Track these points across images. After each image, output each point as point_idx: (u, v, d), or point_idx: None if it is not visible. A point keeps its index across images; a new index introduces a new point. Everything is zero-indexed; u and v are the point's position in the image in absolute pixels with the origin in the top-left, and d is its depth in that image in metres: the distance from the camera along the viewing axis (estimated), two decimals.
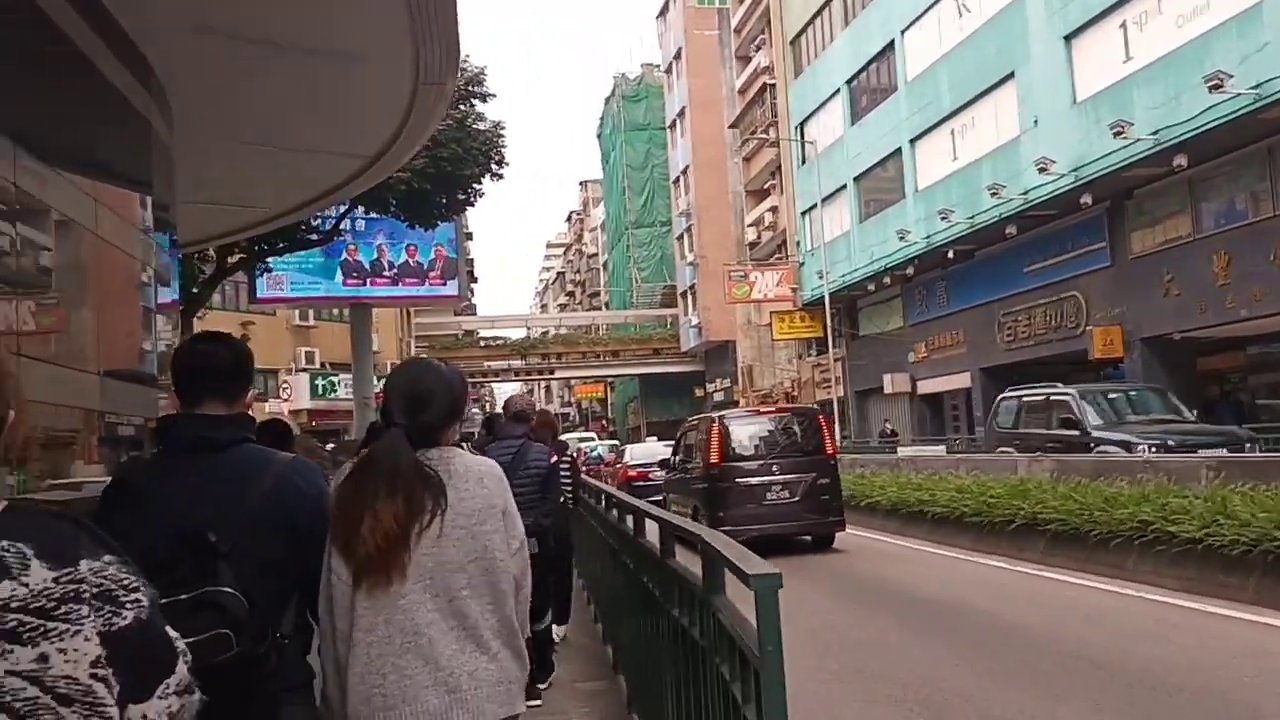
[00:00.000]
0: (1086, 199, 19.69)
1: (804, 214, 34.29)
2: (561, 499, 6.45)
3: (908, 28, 27.09)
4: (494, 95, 14.48)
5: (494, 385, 61.32)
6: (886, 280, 28.79)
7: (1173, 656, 6.14)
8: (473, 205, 15.51)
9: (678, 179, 51.91)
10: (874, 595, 9.19)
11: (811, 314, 33.44)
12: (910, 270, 27.04)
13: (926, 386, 28.76)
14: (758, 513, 12.07)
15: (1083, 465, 11.35)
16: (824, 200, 31.51)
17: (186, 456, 2.22)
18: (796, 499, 12.24)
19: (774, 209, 40.50)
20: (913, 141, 26.99)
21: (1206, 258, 17.73)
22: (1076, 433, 13.84)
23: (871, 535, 13.71)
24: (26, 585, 1.07)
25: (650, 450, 22.96)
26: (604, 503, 6.86)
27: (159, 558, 1.99)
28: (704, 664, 2.91)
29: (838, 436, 28.66)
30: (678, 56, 50.38)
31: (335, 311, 32.35)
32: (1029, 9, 21.43)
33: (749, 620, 2.32)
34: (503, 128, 14.57)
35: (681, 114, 50.01)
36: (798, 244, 35.11)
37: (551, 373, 56.02)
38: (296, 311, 33.64)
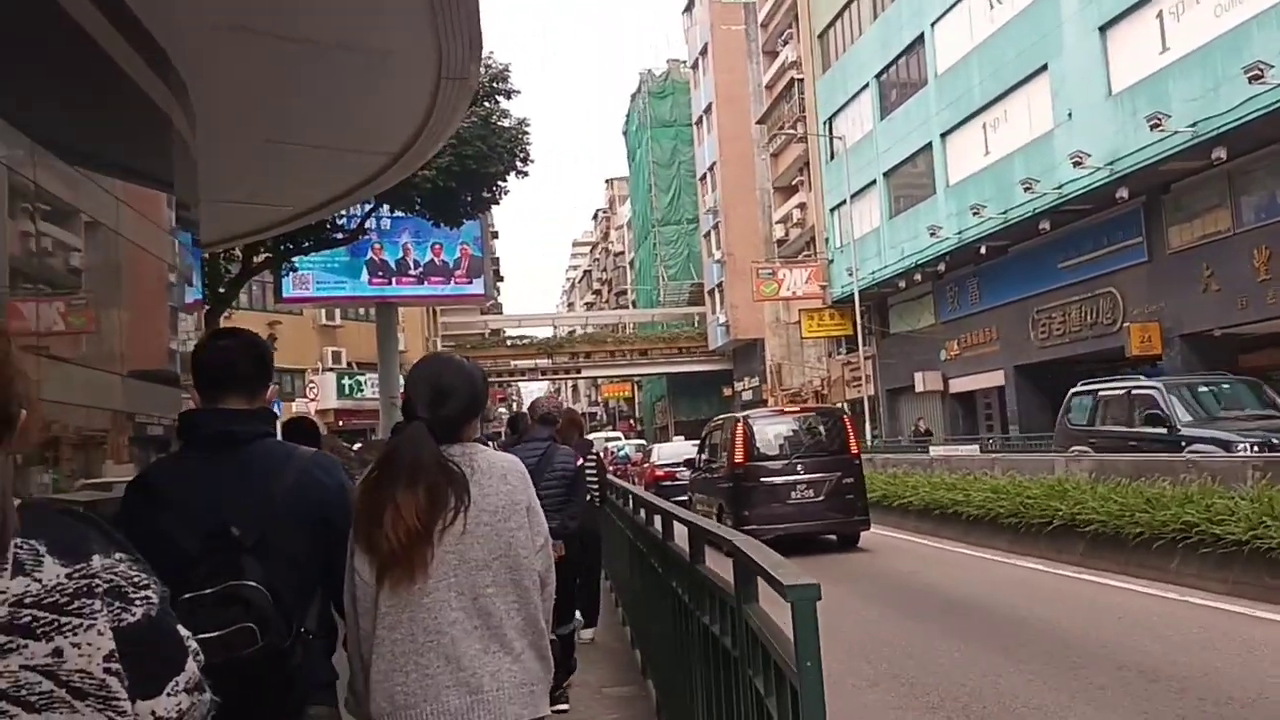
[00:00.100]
0: (1122, 193, 19.32)
1: (833, 210, 34.00)
2: (589, 496, 6.37)
3: (938, 20, 26.77)
4: (518, 92, 14.43)
5: (520, 385, 61.51)
6: (917, 277, 28.47)
7: (1220, 663, 5.94)
8: (498, 203, 15.48)
9: (704, 176, 51.69)
10: (909, 598, 9.01)
11: (841, 312, 33.16)
12: (942, 267, 26.72)
13: (958, 385, 28.41)
14: (782, 512, 12.15)
15: (1122, 465, 11.09)
16: (853, 196, 31.21)
17: (209, 451, 2.23)
18: (821, 498, 12.30)
19: (802, 205, 40.20)
20: (943, 136, 26.67)
21: (1247, 252, 17.37)
22: (1164, 430, 12.47)
23: (905, 536, 13.53)
24: (40, 581, 1.08)
25: (678, 450, 22.86)
26: (630, 504, 6.74)
27: (184, 552, 2.05)
28: (736, 675, 2.81)
29: (868, 436, 28.51)
30: (704, 52, 50.18)
31: (361, 311, 32.47)
32: (1062, 0, 21.10)
33: (784, 631, 2.22)
34: (527, 125, 14.50)
35: (708, 110, 49.79)
36: (826, 241, 34.82)
37: (578, 372, 55.94)
38: (323, 311, 33.80)
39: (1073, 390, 15.29)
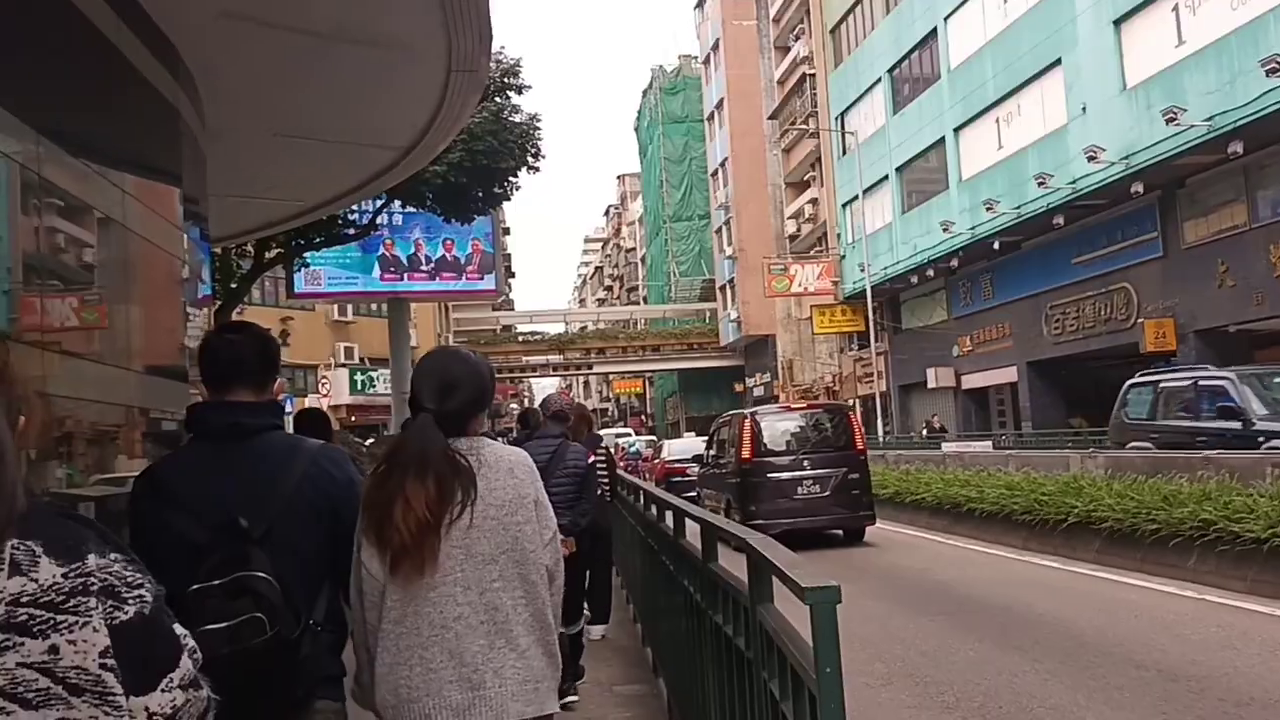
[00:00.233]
0: (1137, 188, 19.17)
1: (845, 206, 33.87)
2: (600, 492, 6.33)
3: (950, 14, 26.62)
4: (529, 87, 14.29)
5: (532, 381, 61.54)
6: (930, 273, 28.32)
7: (1240, 662, 5.85)
8: (509, 199, 15.40)
9: (716, 171, 51.59)
10: (924, 595, 8.93)
11: (853, 307, 33.04)
12: (954, 262, 26.59)
13: (971, 381, 28.26)
14: (789, 507, 12.26)
15: (1138, 462, 10.99)
16: (865, 191, 31.07)
17: (217, 444, 2.24)
18: (827, 493, 12.41)
19: (814, 201, 40.06)
20: (956, 131, 26.53)
21: (1263, 247, 17.23)
22: (1238, 425, 11.36)
23: (918, 533, 13.47)
24: (36, 581, 1.11)
25: (689, 445, 22.83)
26: (641, 500, 6.70)
27: (193, 544, 2.07)
28: (750, 677, 2.74)
29: (880, 432, 28.40)
30: (715, 47, 50.04)
31: (374, 306, 32.48)
32: None
33: (800, 633, 2.15)
34: (539, 120, 14.41)
35: (720, 106, 49.67)
36: (838, 236, 34.70)
37: (590, 368, 55.94)
38: (335, 306, 33.81)
39: (1130, 381, 14.13)
